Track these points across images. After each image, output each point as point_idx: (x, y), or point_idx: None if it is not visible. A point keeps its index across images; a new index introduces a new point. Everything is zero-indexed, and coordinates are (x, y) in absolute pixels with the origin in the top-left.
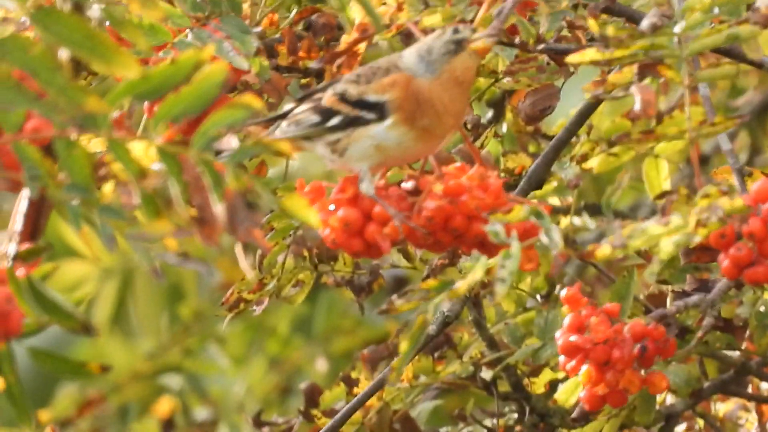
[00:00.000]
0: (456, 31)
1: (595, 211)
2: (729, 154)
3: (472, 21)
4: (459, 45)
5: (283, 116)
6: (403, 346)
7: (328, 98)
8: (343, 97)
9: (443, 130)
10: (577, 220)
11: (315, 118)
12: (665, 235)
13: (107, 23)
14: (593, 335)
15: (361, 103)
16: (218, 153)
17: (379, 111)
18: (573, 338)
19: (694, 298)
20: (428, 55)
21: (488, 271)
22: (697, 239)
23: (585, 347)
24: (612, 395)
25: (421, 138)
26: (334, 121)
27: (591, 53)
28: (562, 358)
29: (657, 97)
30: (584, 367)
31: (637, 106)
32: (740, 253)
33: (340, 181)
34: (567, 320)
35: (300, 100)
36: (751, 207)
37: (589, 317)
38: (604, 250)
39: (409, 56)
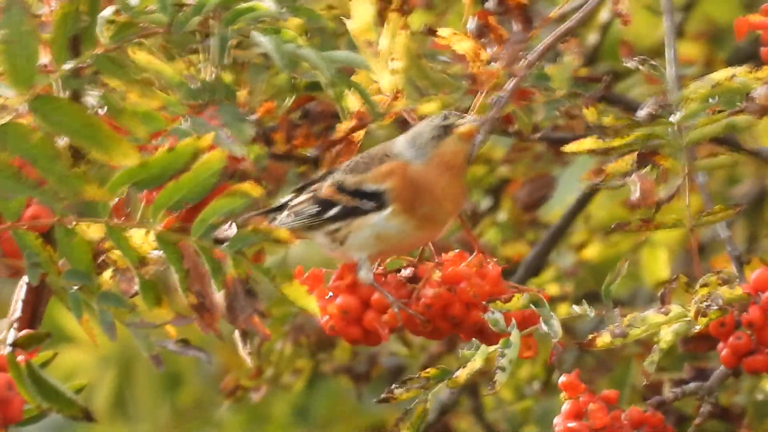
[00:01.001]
0: (445, 117)
1: (593, 299)
2: (728, 242)
3: (467, 110)
4: (446, 130)
5: (281, 208)
6: None
7: (326, 188)
8: (340, 187)
9: (443, 216)
10: (576, 308)
11: (314, 208)
12: (665, 324)
13: (103, 110)
14: (591, 422)
15: (358, 193)
16: (218, 241)
17: (378, 200)
18: (571, 425)
19: (692, 385)
20: (418, 141)
21: (487, 360)
22: (697, 328)
23: None
24: None
25: (422, 226)
26: (333, 211)
27: (588, 142)
28: None
29: (656, 186)
30: None
31: (636, 195)
32: (739, 341)
33: (338, 268)
34: (565, 407)
35: (298, 191)
36: (751, 295)
37: (587, 404)
38: (603, 339)
39: (400, 143)
